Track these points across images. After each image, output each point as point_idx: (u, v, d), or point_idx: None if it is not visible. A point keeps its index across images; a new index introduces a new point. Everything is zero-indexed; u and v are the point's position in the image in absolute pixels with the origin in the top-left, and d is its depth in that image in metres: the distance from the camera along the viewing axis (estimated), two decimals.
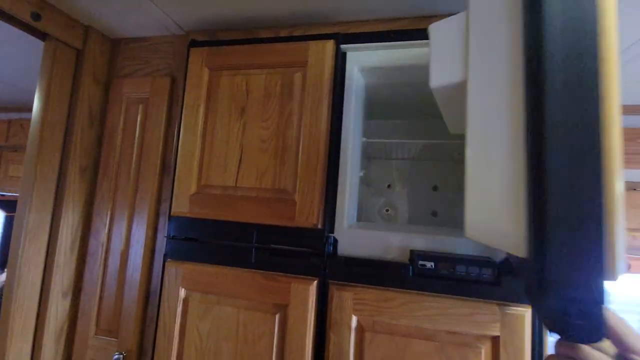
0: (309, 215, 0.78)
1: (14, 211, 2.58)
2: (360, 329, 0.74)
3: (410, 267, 0.73)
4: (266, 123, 0.84)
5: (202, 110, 0.90)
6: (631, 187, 1.98)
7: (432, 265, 0.72)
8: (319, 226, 0.79)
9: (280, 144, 0.83)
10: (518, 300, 0.68)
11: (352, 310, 0.74)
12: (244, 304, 0.81)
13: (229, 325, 0.80)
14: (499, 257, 0.69)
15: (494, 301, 0.68)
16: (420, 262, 0.72)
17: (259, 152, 0.84)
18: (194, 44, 0.94)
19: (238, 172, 0.85)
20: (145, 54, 1.08)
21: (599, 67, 0.29)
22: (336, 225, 0.80)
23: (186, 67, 0.93)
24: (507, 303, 0.67)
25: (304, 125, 0.81)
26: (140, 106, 1.02)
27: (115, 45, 1.11)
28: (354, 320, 0.74)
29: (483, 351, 0.67)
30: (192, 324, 0.83)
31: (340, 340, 0.74)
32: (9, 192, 2.48)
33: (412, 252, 0.74)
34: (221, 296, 0.83)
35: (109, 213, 1.02)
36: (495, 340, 0.67)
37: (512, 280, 0.68)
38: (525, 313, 0.66)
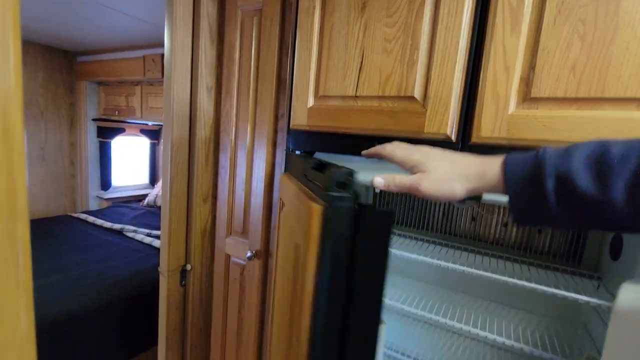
0: (441, 125, 0.68)
1: (156, 139, 3.10)
2: None
3: None
4: (392, 19, 0.72)
5: (317, 12, 0.82)
6: None
7: None
8: (452, 138, 0.68)
9: (408, 43, 0.71)
10: None
11: None
12: None
13: None
14: None
15: None
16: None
17: (382, 54, 0.74)
18: None
19: (358, 80, 0.78)
20: None
21: None
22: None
23: None
24: None
25: (441, 16, 0.67)
26: (255, 19, 1.00)
27: None
28: None
29: None
30: None
31: None
32: (151, 121, 2.96)
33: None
34: None
35: (233, 129, 1.09)
36: None
37: None
38: None
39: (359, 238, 0.47)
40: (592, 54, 0.55)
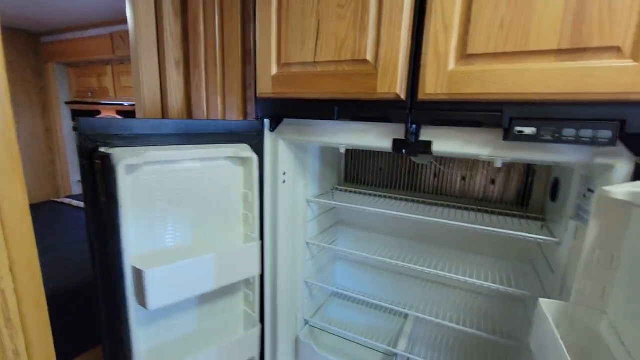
0: (391, 84, 0.74)
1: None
2: None
3: (503, 131, 0.67)
4: None
5: None
6: None
7: (533, 131, 0.64)
8: (402, 96, 0.75)
9: (359, 7, 0.75)
10: None
11: None
12: None
13: None
14: None
15: None
16: (517, 128, 0.65)
17: (336, 20, 0.78)
18: None
19: (316, 46, 0.82)
20: None
21: None
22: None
23: None
24: None
25: None
26: None
27: None
28: None
29: None
30: None
31: None
32: (126, 101, 2.90)
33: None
34: None
35: (204, 101, 1.12)
36: None
37: None
38: None
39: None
40: (517, 11, 0.61)
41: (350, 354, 1.21)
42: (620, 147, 0.62)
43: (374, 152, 1.31)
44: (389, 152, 1.23)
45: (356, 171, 1.35)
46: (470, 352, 1.19)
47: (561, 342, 0.51)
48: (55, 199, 2.77)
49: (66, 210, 2.48)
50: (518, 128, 0.65)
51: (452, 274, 0.98)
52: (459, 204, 1.14)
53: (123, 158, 0.67)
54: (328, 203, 1.16)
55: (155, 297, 0.72)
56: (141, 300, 0.72)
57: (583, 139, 0.61)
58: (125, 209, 0.69)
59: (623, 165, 0.63)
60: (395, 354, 1.11)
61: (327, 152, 1.26)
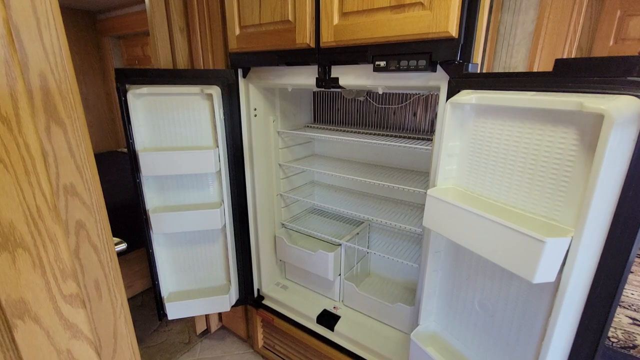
0: (304, 37, 1.07)
1: None
2: None
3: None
4: None
5: None
6: None
7: (384, 64, 0.95)
8: (312, 45, 1.08)
9: None
10: None
11: None
12: None
13: None
14: None
15: None
16: (377, 62, 0.97)
17: None
18: None
19: (260, 12, 1.16)
20: None
21: None
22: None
23: None
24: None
25: None
26: None
27: None
28: None
29: None
30: None
31: None
32: None
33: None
34: None
35: (201, 58, 1.52)
36: None
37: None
38: None
39: None
40: None
41: (310, 247, 1.63)
42: (441, 73, 0.92)
43: (332, 96, 1.64)
44: (344, 96, 1.56)
45: (322, 113, 1.70)
46: (393, 241, 1.55)
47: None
48: (117, 149, 3.47)
49: (124, 157, 3.14)
50: (377, 62, 0.97)
51: (387, 183, 1.32)
52: (396, 134, 1.45)
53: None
54: (291, 133, 1.54)
55: (144, 167, 1.29)
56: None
57: (411, 67, 0.91)
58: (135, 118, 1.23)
59: (445, 84, 0.92)
60: (340, 244, 1.51)
61: (297, 97, 1.61)
